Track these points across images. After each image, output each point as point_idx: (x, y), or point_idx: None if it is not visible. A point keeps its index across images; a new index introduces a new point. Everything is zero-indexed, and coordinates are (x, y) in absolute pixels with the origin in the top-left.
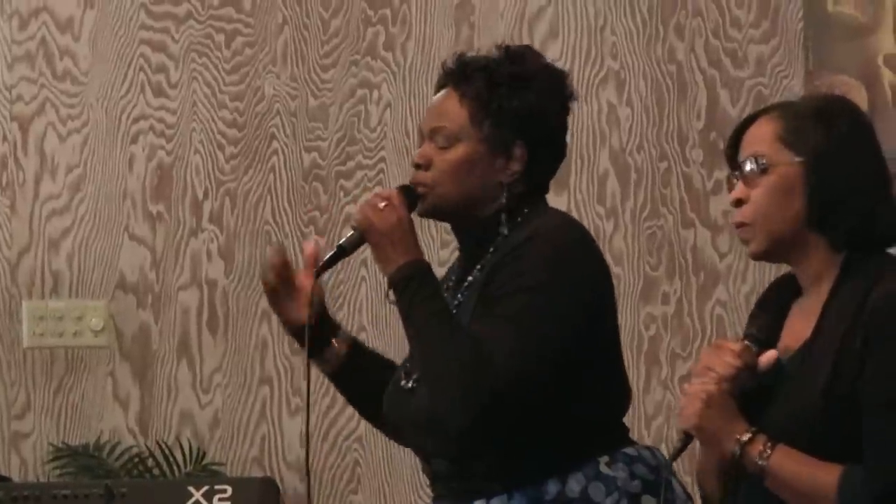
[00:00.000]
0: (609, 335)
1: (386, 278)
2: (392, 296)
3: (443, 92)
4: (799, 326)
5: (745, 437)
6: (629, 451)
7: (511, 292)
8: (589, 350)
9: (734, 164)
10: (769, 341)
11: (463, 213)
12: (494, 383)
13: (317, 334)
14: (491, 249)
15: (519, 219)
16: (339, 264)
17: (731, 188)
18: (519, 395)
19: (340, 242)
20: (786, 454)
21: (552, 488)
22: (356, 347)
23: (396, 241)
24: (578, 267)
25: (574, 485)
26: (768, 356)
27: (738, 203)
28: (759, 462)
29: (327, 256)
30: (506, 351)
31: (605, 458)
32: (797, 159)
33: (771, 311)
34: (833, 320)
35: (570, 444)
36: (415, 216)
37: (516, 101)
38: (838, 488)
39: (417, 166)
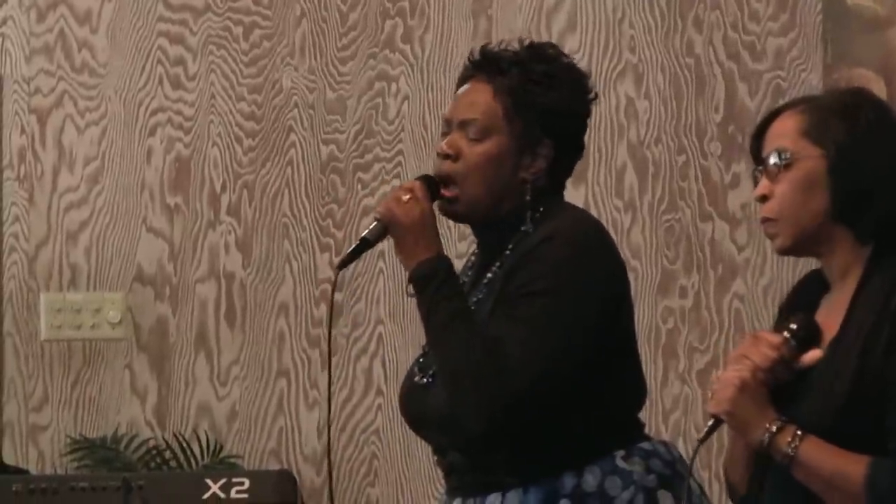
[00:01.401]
0: (625, 333)
1: (407, 273)
2: (412, 290)
3: (472, 84)
4: (827, 322)
5: (775, 426)
6: (645, 445)
7: (528, 294)
8: (606, 349)
9: (758, 159)
10: (809, 338)
11: (488, 211)
12: (511, 386)
13: None
14: (510, 247)
15: (537, 216)
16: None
17: (756, 183)
18: (536, 398)
19: (364, 234)
20: (814, 444)
21: (568, 482)
22: None
23: (419, 236)
24: (595, 267)
25: (590, 479)
26: (812, 355)
27: (763, 199)
28: (788, 451)
29: (351, 248)
30: (523, 354)
31: (621, 453)
32: (820, 153)
33: (803, 307)
34: (859, 316)
35: (586, 439)
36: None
37: (548, 99)
38: (865, 478)
39: (446, 156)
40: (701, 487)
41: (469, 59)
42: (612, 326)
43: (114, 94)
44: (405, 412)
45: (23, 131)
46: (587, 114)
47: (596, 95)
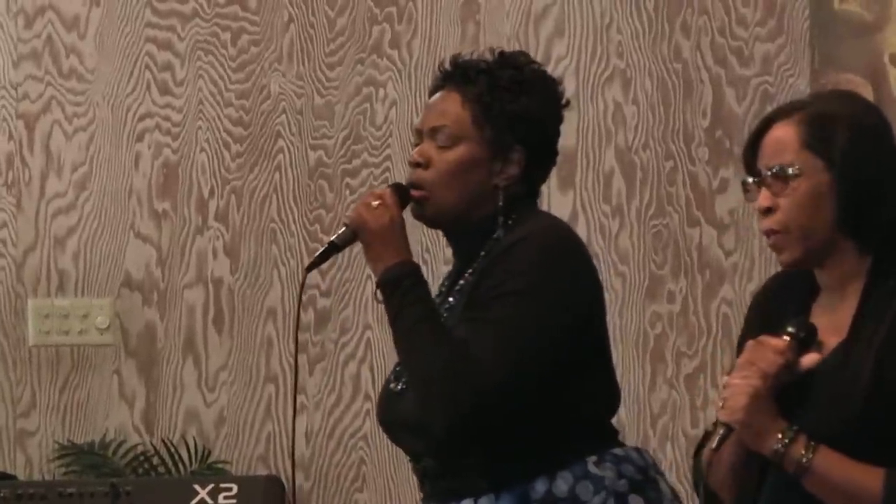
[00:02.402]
0: (597, 337)
1: (375, 278)
2: (380, 296)
3: (443, 92)
4: (829, 328)
5: (788, 436)
6: (617, 451)
7: (496, 297)
8: (576, 353)
9: (753, 169)
10: (808, 340)
11: (459, 217)
12: (477, 388)
13: None
14: (482, 253)
15: (510, 222)
16: (345, 262)
17: (747, 193)
18: (503, 400)
19: (332, 239)
20: (828, 455)
21: (540, 487)
22: None
23: (387, 241)
24: (565, 270)
25: (562, 484)
26: (811, 358)
27: (767, 211)
28: (802, 462)
29: (319, 252)
30: (489, 356)
31: (593, 458)
32: (824, 164)
33: (791, 310)
34: (870, 323)
35: (558, 444)
36: (407, 217)
37: (518, 105)
38: (884, 489)
39: (417, 164)
40: (674, 492)
41: (439, 69)
42: (583, 330)
43: (101, 100)
44: (380, 419)
45: (10, 137)
46: (559, 120)
47: (568, 102)
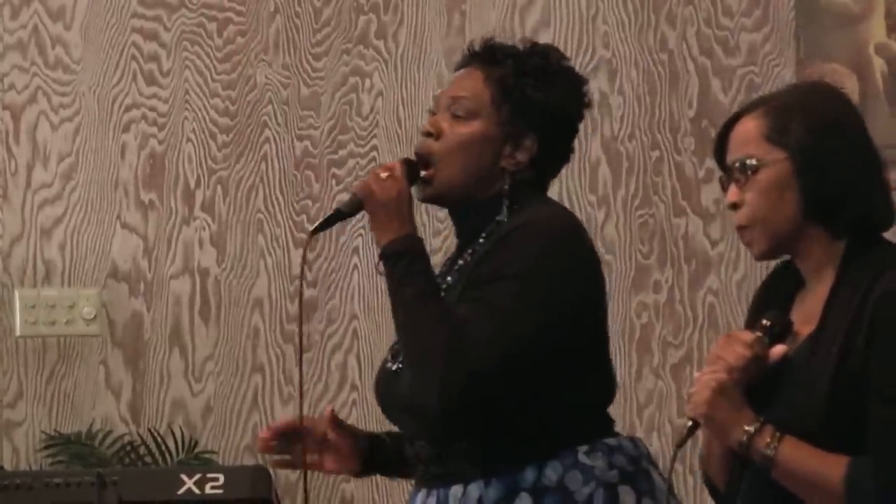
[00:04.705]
0: (596, 326)
1: (378, 249)
2: (381, 267)
3: (468, 69)
4: (802, 318)
5: (753, 427)
6: (610, 441)
7: (497, 278)
8: (573, 340)
9: (724, 165)
10: (782, 334)
11: (462, 194)
12: (472, 367)
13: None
14: (483, 235)
15: (515, 206)
16: (332, 252)
17: (723, 189)
18: (496, 381)
19: (338, 206)
20: (793, 445)
21: (529, 475)
22: (374, 444)
23: (393, 213)
24: (568, 257)
25: (551, 473)
26: (777, 350)
27: (734, 206)
28: (767, 453)
29: (324, 217)
30: (486, 336)
31: (584, 448)
32: (785, 155)
33: (777, 302)
34: (837, 313)
35: (549, 433)
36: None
37: (539, 93)
38: (845, 479)
39: (428, 134)
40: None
41: (468, 48)
42: (580, 318)
43: (88, 91)
44: (378, 398)
45: None
46: (578, 117)
47: (590, 102)
